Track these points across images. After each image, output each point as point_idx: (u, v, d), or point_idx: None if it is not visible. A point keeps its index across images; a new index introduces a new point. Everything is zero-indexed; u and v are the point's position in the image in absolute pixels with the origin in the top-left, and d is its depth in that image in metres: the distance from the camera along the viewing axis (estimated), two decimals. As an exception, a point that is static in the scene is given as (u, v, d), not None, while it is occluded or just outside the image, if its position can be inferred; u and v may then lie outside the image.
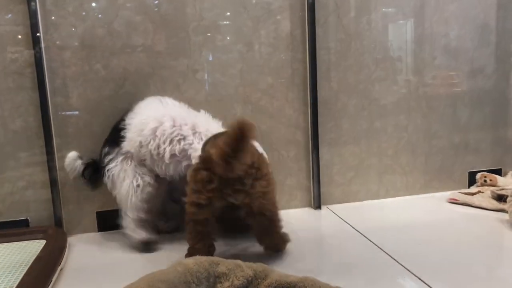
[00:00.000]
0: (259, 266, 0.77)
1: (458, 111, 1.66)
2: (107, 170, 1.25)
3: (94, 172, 1.30)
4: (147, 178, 1.24)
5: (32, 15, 1.29)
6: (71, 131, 1.36)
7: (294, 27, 1.48)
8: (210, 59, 1.43)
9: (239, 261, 0.77)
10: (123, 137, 1.25)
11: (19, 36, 1.31)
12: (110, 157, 1.26)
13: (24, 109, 1.33)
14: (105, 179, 1.26)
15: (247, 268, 0.75)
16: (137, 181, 1.23)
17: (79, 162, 1.30)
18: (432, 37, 1.61)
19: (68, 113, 1.36)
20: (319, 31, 1.49)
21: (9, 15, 1.30)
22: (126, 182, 1.23)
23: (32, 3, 1.29)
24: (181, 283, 0.66)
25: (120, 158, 1.25)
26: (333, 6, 1.50)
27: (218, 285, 0.71)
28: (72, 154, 1.30)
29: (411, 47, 1.60)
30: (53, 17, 1.32)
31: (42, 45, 1.31)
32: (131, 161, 1.25)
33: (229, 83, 1.45)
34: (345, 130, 1.57)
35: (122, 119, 1.28)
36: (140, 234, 1.25)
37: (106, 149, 1.27)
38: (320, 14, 1.49)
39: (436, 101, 1.64)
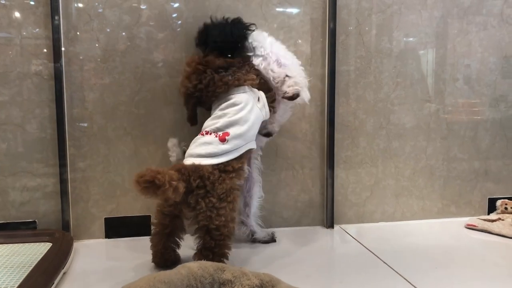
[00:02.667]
0: (266, 275, 0.73)
1: (479, 136, 1.62)
2: None
3: None
4: None
5: (55, 29, 1.31)
6: (84, 141, 1.36)
7: (314, 41, 1.47)
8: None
9: (245, 269, 0.73)
10: None
11: (44, 50, 1.32)
12: None
13: (42, 117, 1.33)
14: None
15: (254, 277, 0.71)
16: None
17: (181, 146, 1.27)
18: (455, 64, 1.59)
19: (84, 124, 1.36)
20: (339, 47, 1.48)
21: (36, 30, 1.32)
22: None
23: (56, 18, 1.30)
24: (183, 286, 0.63)
25: None
26: (355, 22, 1.49)
27: (223, 292, 0.68)
28: (174, 140, 1.28)
29: (433, 70, 1.58)
30: (78, 32, 1.33)
31: (63, 58, 1.32)
32: None
33: (246, 94, 1.43)
34: (362, 149, 1.54)
35: None
36: None
37: None
38: (341, 30, 1.47)
39: (456, 125, 1.60)
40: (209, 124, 1.16)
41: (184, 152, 1.21)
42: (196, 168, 1.06)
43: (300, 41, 1.46)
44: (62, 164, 1.34)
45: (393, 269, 1.12)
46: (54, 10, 1.30)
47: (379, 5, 1.50)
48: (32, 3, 1.30)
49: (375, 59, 1.52)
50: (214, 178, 1.07)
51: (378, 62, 1.52)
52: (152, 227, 1.17)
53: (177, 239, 1.16)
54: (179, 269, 0.67)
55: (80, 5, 1.33)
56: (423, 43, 1.56)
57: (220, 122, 1.14)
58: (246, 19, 1.32)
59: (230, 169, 1.11)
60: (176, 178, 0.99)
